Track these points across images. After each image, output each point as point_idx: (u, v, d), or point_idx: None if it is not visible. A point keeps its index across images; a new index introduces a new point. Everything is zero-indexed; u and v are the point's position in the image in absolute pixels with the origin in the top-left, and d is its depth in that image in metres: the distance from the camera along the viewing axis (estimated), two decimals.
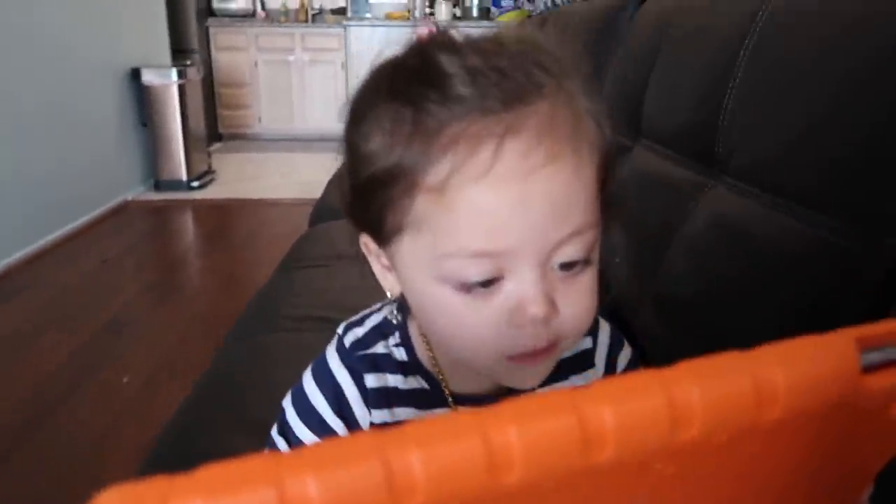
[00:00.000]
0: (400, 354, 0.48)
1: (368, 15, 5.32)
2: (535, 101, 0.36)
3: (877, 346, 0.24)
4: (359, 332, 0.49)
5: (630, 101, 1.15)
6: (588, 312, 0.40)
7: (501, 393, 0.47)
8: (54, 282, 2.55)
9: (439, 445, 0.18)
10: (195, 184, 3.85)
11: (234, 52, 5.30)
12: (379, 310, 0.50)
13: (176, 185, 3.79)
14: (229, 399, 0.86)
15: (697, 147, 0.86)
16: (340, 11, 5.59)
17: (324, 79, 5.33)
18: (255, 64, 5.33)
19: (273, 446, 0.49)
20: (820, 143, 0.61)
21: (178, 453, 0.78)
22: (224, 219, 3.50)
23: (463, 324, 0.39)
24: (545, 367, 0.41)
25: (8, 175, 2.63)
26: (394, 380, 0.47)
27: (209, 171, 4.12)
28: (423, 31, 0.40)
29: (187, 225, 3.51)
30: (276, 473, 0.16)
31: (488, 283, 0.37)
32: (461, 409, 0.47)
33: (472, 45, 0.38)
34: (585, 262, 0.39)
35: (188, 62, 4.32)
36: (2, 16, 2.60)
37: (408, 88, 0.37)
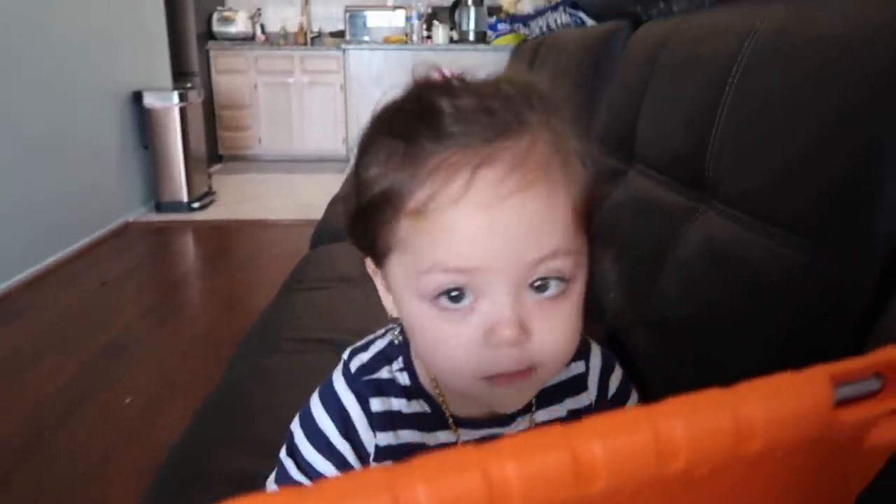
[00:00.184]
0: (403, 379, 0.50)
1: (367, 38, 5.38)
2: (516, 137, 0.39)
3: (849, 380, 0.25)
4: (364, 357, 0.51)
5: (624, 126, 1.17)
6: (565, 341, 0.42)
7: (500, 416, 0.49)
8: (55, 304, 2.56)
9: (442, 480, 0.19)
10: (196, 205, 3.88)
11: (234, 74, 5.35)
12: (383, 335, 0.53)
13: (176, 206, 3.81)
14: (233, 420, 0.87)
15: (688, 173, 0.88)
16: (339, 35, 5.66)
17: (323, 101, 5.38)
18: (255, 86, 5.38)
19: (282, 467, 0.51)
20: (805, 171, 0.64)
21: (183, 474, 0.79)
22: (224, 240, 3.52)
23: (442, 343, 0.41)
24: (523, 391, 0.43)
25: (9, 198, 2.65)
26: (397, 403, 0.49)
27: (209, 193, 4.15)
28: (434, 73, 0.42)
29: (188, 246, 3.53)
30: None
31: (460, 300, 0.40)
32: (462, 431, 0.49)
33: (469, 87, 0.41)
34: (563, 290, 0.41)
35: (189, 85, 4.37)
36: (4, 41, 2.64)
37: (404, 125, 0.40)
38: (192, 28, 4.92)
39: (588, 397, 0.52)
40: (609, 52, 1.46)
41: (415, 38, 5.04)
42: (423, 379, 0.50)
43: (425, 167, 0.39)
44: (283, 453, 0.51)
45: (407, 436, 0.49)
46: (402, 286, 0.43)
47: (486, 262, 0.38)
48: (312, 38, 5.69)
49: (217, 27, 5.35)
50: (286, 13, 5.80)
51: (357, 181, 0.44)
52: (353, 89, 4.98)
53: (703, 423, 0.23)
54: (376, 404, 0.49)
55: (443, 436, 0.49)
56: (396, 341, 0.50)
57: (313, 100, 5.40)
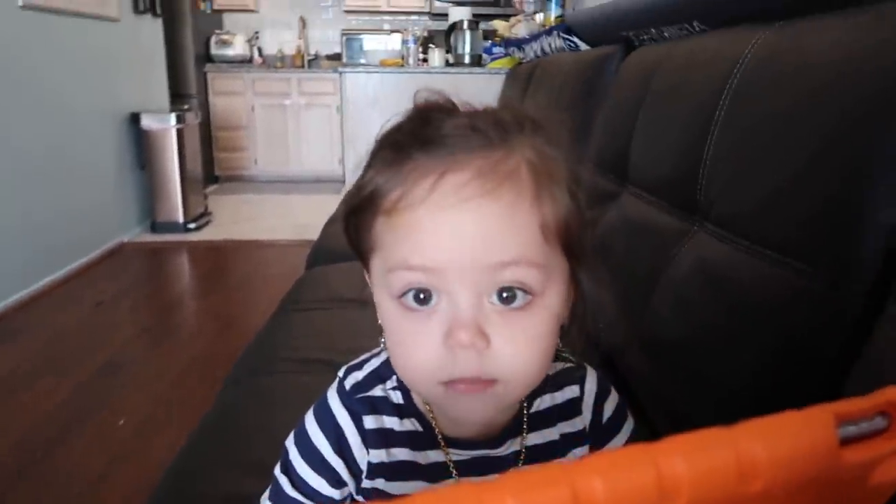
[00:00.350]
0: (396, 398, 0.50)
1: (363, 61, 5.44)
2: (493, 150, 0.41)
3: (853, 419, 0.25)
4: (358, 375, 0.52)
5: (617, 149, 1.19)
6: (527, 356, 0.42)
7: (490, 438, 0.49)
8: (50, 324, 2.56)
9: None
10: (191, 225, 3.88)
11: (231, 96, 5.39)
12: (378, 354, 0.53)
13: (172, 226, 3.82)
14: (229, 441, 0.87)
15: (680, 195, 0.90)
16: (336, 58, 5.72)
17: (319, 122, 5.42)
18: (252, 108, 5.42)
19: (276, 484, 0.51)
20: (795, 193, 0.65)
21: (179, 495, 0.79)
22: (220, 260, 3.52)
23: (405, 342, 0.43)
24: (486, 404, 0.43)
25: (6, 218, 2.65)
26: (390, 422, 0.50)
27: (205, 213, 4.15)
28: (436, 97, 0.45)
29: (183, 266, 3.53)
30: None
31: (426, 302, 0.41)
32: (452, 451, 0.49)
33: (467, 111, 0.44)
34: (528, 303, 0.41)
35: (186, 106, 4.39)
36: (3, 62, 2.67)
37: (400, 138, 0.43)
38: (190, 50, 4.96)
39: (582, 422, 0.52)
40: (602, 76, 1.49)
41: (411, 61, 5.09)
42: (416, 398, 0.50)
43: (404, 171, 0.41)
44: (277, 470, 0.52)
45: (399, 454, 0.49)
46: (378, 287, 0.45)
47: (447, 262, 0.40)
48: (309, 61, 5.75)
49: (215, 50, 5.40)
50: (283, 36, 5.86)
51: (356, 187, 0.46)
52: (349, 111, 5.01)
53: (704, 461, 0.22)
54: (370, 422, 0.49)
55: (433, 455, 0.49)
56: (384, 351, 0.51)
57: (310, 121, 5.44)
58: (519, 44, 3.04)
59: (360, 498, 0.50)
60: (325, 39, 5.93)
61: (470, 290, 0.40)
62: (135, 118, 3.69)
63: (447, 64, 4.95)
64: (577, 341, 0.48)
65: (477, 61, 4.80)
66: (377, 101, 4.69)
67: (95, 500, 1.49)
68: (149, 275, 3.36)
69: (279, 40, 5.84)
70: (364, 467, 0.49)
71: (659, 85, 1.10)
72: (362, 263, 0.48)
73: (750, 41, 0.83)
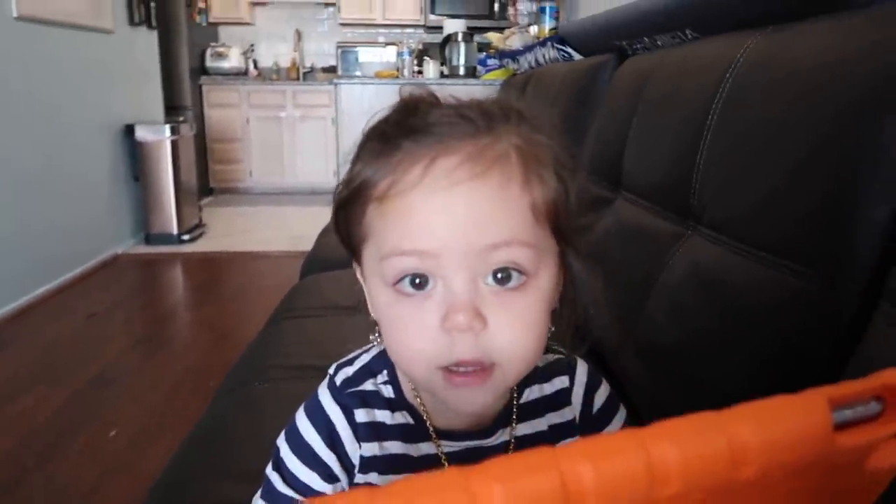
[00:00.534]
0: (387, 392, 0.50)
1: (358, 73, 5.46)
2: (481, 137, 0.41)
3: (848, 403, 0.25)
4: (349, 371, 0.52)
5: (611, 156, 1.20)
6: (523, 337, 0.42)
7: (481, 429, 0.49)
8: (44, 335, 2.54)
9: (425, 501, 0.20)
10: (186, 237, 3.87)
11: (226, 108, 5.40)
12: (368, 350, 0.53)
13: (166, 238, 3.81)
14: (220, 450, 0.86)
15: (674, 200, 0.90)
16: (331, 70, 5.74)
17: (314, 134, 5.43)
18: (247, 120, 5.43)
19: (268, 483, 0.50)
20: (788, 195, 0.65)
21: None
22: (214, 272, 3.50)
23: (402, 328, 0.43)
24: (483, 392, 0.43)
25: (1, 230, 2.64)
26: (381, 415, 0.50)
27: (200, 225, 4.14)
28: (416, 90, 0.45)
29: (177, 278, 3.51)
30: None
31: (420, 287, 0.41)
32: (444, 443, 0.49)
33: (453, 102, 0.44)
34: (523, 283, 0.41)
35: (181, 118, 4.40)
36: (1, 78, 2.66)
37: (387, 130, 0.43)
38: (185, 63, 4.97)
39: (572, 412, 0.52)
40: (596, 84, 1.50)
41: (406, 72, 5.11)
42: (407, 391, 0.50)
43: (394, 159, 0.41)
44: (269, 469, 0.51)
45: (391, 447, 0.49)
46: (371, 276, 0.45)
47: (440, 245, 0.40)
48: (304, 74, 5.77)
49: (210, 62, 5.42)
50: (279, 49, 5.89)
51: (344, 180, 0.46)
52: (344, 123, 5.02)
53: (695, 447, 0.22)
54: (361, 415, 0.49)
55: (425, 447, 0.49)
56: (377, 343, 0.51)
57: (305, 133, 5.45)
58: (513, 55, 3.06)
59: None
60: (320, 52, 5.96)
61: (465, 273, 0.41)
62: (129, 130, 3.69)
63: (442, 76, 4.97)
64: (567, 328, 0.48)
65: (472, 73, 4.82)
66: (372, 112, 4.64)
67: None
68: (143, 286, 3.34)
69: (274, 53, 5.87)
70: (356, 461, 0.49)
71: (652, 92, 1.10)
72: (353, 257, 0.48)
73: (742, 47, 0.83)
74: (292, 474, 0.49)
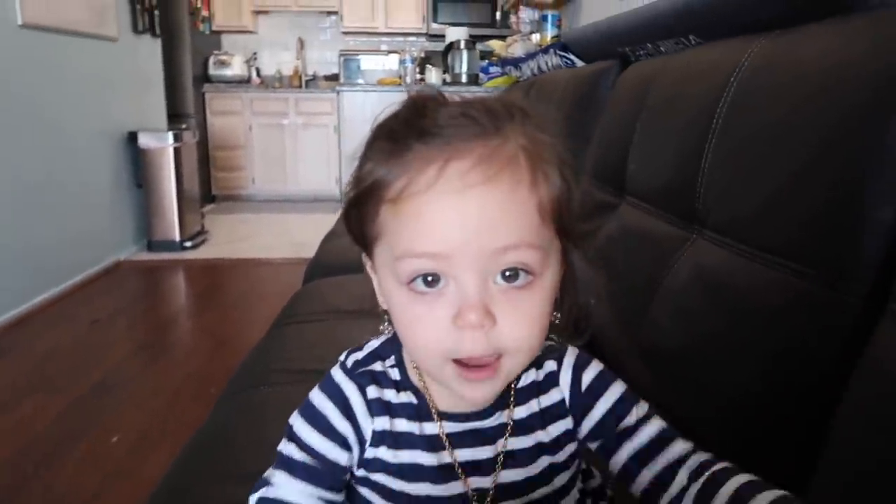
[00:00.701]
0: (394, 374, 0.53)
1: (361, 81, 5.48)
2: (490, 138, 0.43)
3: None
4: (359, 355, 0.54)
5: (615, 161, 1.20)
6: (529, 330, 0.45)
7: (480, 411, 0.52)
8: (46, 342, 2.54)
9: None
10: (188, 244, 3.88)
11: (229, 116, 5.42)
12: (376, 339, 0.55)
13: (169, 245, 3.81)
14: (222, 453, 0.86)
15: (679, 204, 0.90)
16: (333, 78, 5.76)
17: (316, 142, 5.44)
18: (250, 127, 5.44)
19: (281, 456, 0.51)
20: (793, 197, 0.65)
21: None
22: (216, 278, 3.50)
23: (415, 324, 0.45)
24: (491, 385, 0.46)
25: (2, 236, 2.64)
26: (389, 394, 0.52)
27: (202, 232, 4.15)
28: (423, 89, 0.47)
29: (179, 285, 3.51)
30: None
31: (434, 284, 0.43)
32: (445, 423, 0.52)
33: (459, 101, 0.46)
34: (529, 282, 0.44)
35: (184, 126, 4.41)
36: (2, 82, 2.68)
37: (397, 129, 0.44)
38: (188, 71, 4.99)
39: (560, 392, 0.53)
40: (599, 90, 1.50)
41: (408, 80, 5.13)
42: (412, 375, 0.53)
43: (406, 160, 0.43)
44: (281, 445, 0.52)
45: (400, 424, 0.51)
46: (384, 273, 0.47)
47: (452, 248, 0.42)
48: (307, 82, 5.79)
49: (213, 70, 5.44)
50: (281, 57, 5.91)
51: (355, 177, 0.48)
52: (346, 130, 5.04)
53: None
54: (372, 391, 0.52)
55: (428, 427, 0.52)
56: (385, 330, 0.53)
57: (307, 141, 5.47)
58: (515, 62, 3.07)
59: (361, 471, 0.52)
60: (322, 60, 5.98)
61: (476, 274, 0.43)
62: (132, 137, 3.70)
63: (444, 83, 4.99)
64: (568, 319, 0.50)
65: (474, 80, 4.84)
66: (374, 121, 4.71)
67: None
68: (145, 293, 3.34)
69: (277, 61, 5.90)
70: (368, 436, 0.51)
71: (656, 97, 1.10)
72: (364, 252, 0.50)
73: (746, 50, 0.83)
74: (307, 444, 0.51)
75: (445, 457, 0.51)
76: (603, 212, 1.16)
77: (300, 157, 5.48)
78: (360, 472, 0.52)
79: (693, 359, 0.75)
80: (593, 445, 0.53)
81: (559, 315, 0.49)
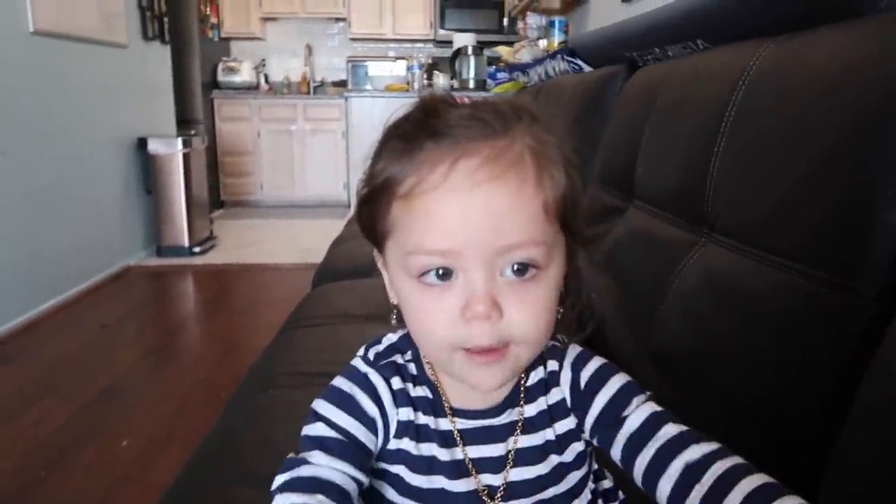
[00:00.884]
0: (412, 368, 0.54)
1: (368, 87, 5.50)
2: (497, 139, 0.44)
3: None
4: (379, 347, 0.56)
5: (622, 166, 1.19)
6: (536, 320, 0.46)
7: (492, 409, 0.53)
8: (55, 347, 2.55)
9: None
10: (197, 249, 3.90)
11: (237, 122, 5.45)
12: (394, 333, 0.57)
13: (177, 250, 3.83)
14: (230, 456, 0.86)
15: (688, 207, 0.89)
16: (341, 84, 5.78)
17: (325, 147, 5.47)
18: (258, 134, 5.47)
19: (306, 437, 0.50)
20: (803, 199, 0.65)
21: None
22: (224, 284, 3.52)
23: (425, 316, 0.47)
24: (500, 370, 0.47)
25: (13, 242, 2.67)
26: (408, 387, 0.53)
27: (211, 237, 4.17)
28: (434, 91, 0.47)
29: (188, 290, 3.53)
30: None
31: (445, 278, 0.45)
32: (458, 420, 0.53)
33: (469, 102, 0.47)
34: (535, 275, 0.45)
35: (193, 132, 4.44)
36: (14, 88, 2.70)
37: (408, 128, 0.46)
38: (197, 77, 5.02)
39: (560, 392, 0.54)
40: (606, 95, 1.50)
41: (416, 85, 5.14)
42: (427, 370, 0.54)
43: (418, 159, 0.44)
44: (307, 429, 0.51)
45: (420, 417, 0.52)
46: (395, 268, 0.48)
47: (460, 244, 0.44)
48: (315, 88, 5.82)
49: (222, 77, 5.48)
50: (290, 64, 5.95)
51: (366, 178, 0.49)
52: (354, 136, 5.05)
53: None
54: (396, 383, 0.53)
55: (443, 422, 0.53)
56: (393, 322, 0.54)
57: (315, 147, 5.49)
58: (523, 68, 3.07)
59: (380, 464, 0.52)
60: (330, 66, 6.01)
61: (484, 268, 0.44)
62: (142, 143, 3.73)
63: (452, 89, 5.00)
64: (571, 311, 0.51)
65: (481, 86, 4.85)
66: (382, 125, 4.72)
67: None
68: (153, 298, 3.36)
69: (285, 67, 5.93)
70: (394, 427, 0.52)
71: (664, 101, 1.10)
72: (375, 247, 0.51)
73: (754, 54, 0.83)
74: (337, 424, 0.50)
75: (457, 453, 0.52)
76: (611, 216, 1.16)
77: (308, 162, 5.50)
78: (380, 465, 0.52)
79: (702, 362, 0.75)
80: (595, 441, 0.53)
81: (562, 310, 0.50)
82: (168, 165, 3.75)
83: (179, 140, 3.78)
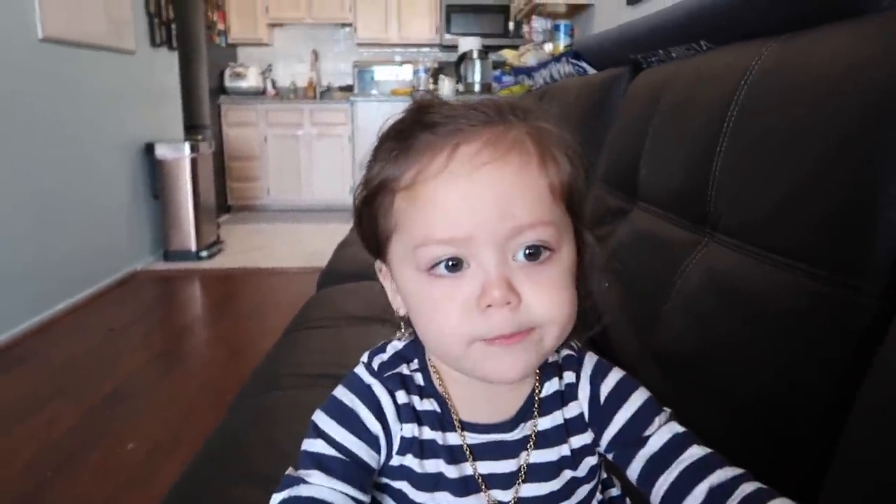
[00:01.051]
0: (418, 379, 0.52)
1: (374, 92, 5.51)
2: (495, 125, 0.44)
3: None
4: (384, 356, 0.53)
5: (626, 167, 1.19)
6: (558, 302, 0.44)
7: (504, 422, 0.50)
8: (62, 351, 2.56)
9: None
10: (203, 254, 3.91)
11: (244, 127, 5.47)
12: (398, 340, 0.54)
13: (185, 255, 3.85)
14: (233, 456, 0.86)
15: (690, 208, 0.89)
16: (348, 89, 5.80)
17: (331, 152, 5.48)
18: (265, 138, 5.49)
19: (309, 455, 0.48)
20: (805, 199, 0.65)
21: None
22: (231, 288, 3.53)
23: (438, 308, 0.44)
24: (524, 354, 0.44)
25: (21, 247, 2.68)
26: (414, 400, 0.51)
27: (217, 242, 4.19)
28: (426, 95, 0.48)
29: (195, 294, 3.54)
30: None
31: (455, 269, 0.43)
32: (468, 434, 0.50)
33: (461, 99, 0.47)
34: (549, 257, 0.44)
35: (200, 137, 4.46)
36: (22, 95, 2.72)
37: (402, 129, 0.46)
38: (204, 83, 5.05)
39: (578, 407, 0.52)
40: (611, 97, 1.50)
41: (421, 89, 5.15)
42: (435, 381, 0.51)
43: (416, 150, 0.44)
44: (307, 444, 0.49)
45: (425, 431, 0.50)
46: (402, 265, 0.47)
47: (469, 229, 0.42)
48: (321, 93, 5.84)
49: (229, 82, 5.50)
50: (296, 69, 5.97)
51: (362, 185, 0.48)
52: (360, 140, 5.07)
53: None
54: (401, 397, 0.50)
55: (451, 437, 0.50)
56: (401, 337, 0.52)
57: (321, 151, 5.50)
58: (528, 71, 3.07)
59: (382, 479, 0.50)
60: (336, 71, 6.03)
61: (496, 252, 0.43)
62: (149, 148, 3.75)
63: (457, 93, 5.01)
64: (582, 303, 0.48)
65: (487, 89, 4.85)
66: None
67: None
68: (160, 302, 3.37)
69: (292, 72, 5.95)
70: (397, 443, 0.50)
71: (667, 102, 1.10)
72: (377, 256, 0.50)
73: (757, 54, 0.83)
74: (338, 442, 0.48)
75: (467, 468, 0.49)
76: (615, 217, 1.16)
77: (314, 167, 5.52)
78: (382, 480, 0.51)
79: (705, 362, 0.75)
80: (610, 456, 0.52)
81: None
82: (175, 170, 3.77)
83: (187, 145, 3.80)
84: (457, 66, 5.30)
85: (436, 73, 5.54)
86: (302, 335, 1.24)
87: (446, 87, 5.01)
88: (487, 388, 0.50)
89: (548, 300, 0.44)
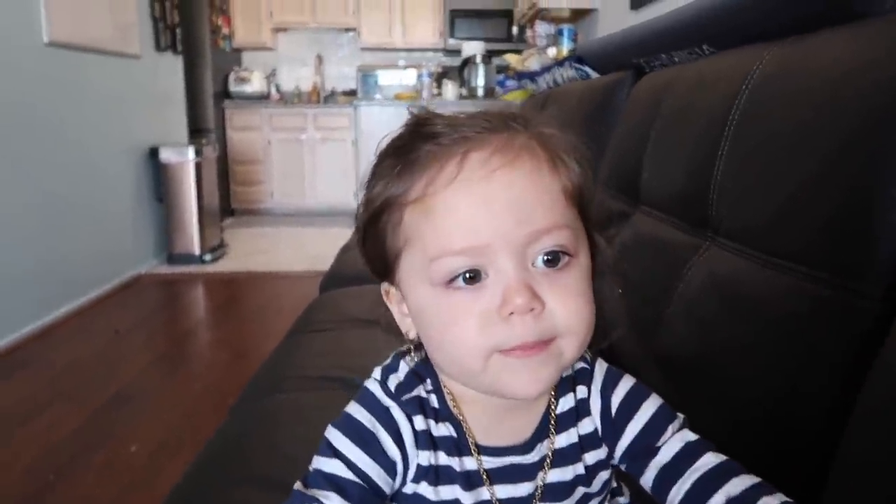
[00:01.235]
0: (432, 401, 0.50)
1: (378, 96, 5.53)
2: (500, 132, 0.44)
3: None
4: (399, 376, 0.50)
5: (629, 171, 1.19)
6: (580, 308, 0.43)
7: (521, 444, 0.49)
8: (66, 354, 2.57)
9: None
10: (207, 257, 3.92)
11: (248, 131, 5.49)
12: (404, 353, 0.51)
13: (188, 258, 3.86)
14: (235, 458, 0.86)
15: (692, 212, 0.89)
16: (351, 93, 5.82)
17: (334, 156, 5.49)
18: (269, 142, 5.51)
19: (324, 475, 0.46)
20: (807, 202, 0.65)
21: None
22: (234, 292, 3.53)
23: (455, 322, 0.43)
24: (544, 367, 0.43)
25: (26, 250, 2.69)
26: (431, 424, 0.49)
27: (221, 245, 4.20)
28: (421, 111, 0.47)
29: (198, 298, 3.54)
30: None
31: (474, 280, 0.42)
32: (484, 458, 0.49)
33: (464, 105, 0.46)
34: (567, 262, 0.43)
35: (204, 141, 4.47)
36: (28, 98, 2.74)
37: (401, 145, 0.45)
38: (209, 87, 5.07)
39: (592, 422, 0.51)
40: (613, 101, 1.50)
41: (425, 94, 5.17)
42: (450, 403, 0.49)
43: (421, 164, 0.43)
44: (321, 463, 0.47)
45: (440, 457, 0.48)
46: (414, 282, 0.45)
47: (487, 237, 0.41)
48: (325, 97, 5.86)
49: (233, 86, 5.52)
50: (300, 73, 5.99)
51: (364, 204, 0.47)
52: (364, 145, 5.09)
53: None
54: (419, 423, 0.48)
55: (468, 462, 0.49)
56: (411, 363, 0.50)
57: (325, 155, 5.52)
58: (531, 76, 3.08)
59: None
60: (340, 76, 6.05)
61: (514, 259, 0.42)
62: (154, 152, 3.76)
63: (461, 97, 5.02)
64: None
65: (490, 94, 4.86)
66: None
67: None
68: (164, 306, 3.38)
69: (296, 77, 5.97)
70: (413, 470, 0.48)
71: (669, 106, 1.10)
72: (384, 275, 0.48)
73: (759, 58, 0.83)
74: (355, 465, 0.46)
75: (484, 493, 0.48)
76: (617, 221, 1.16)
77: (318, 171, 5.53)
78: None
79: (707, 365, 0.75)
80: (623, 466, 0.51)
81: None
82: (179, 174, 3.78)
83: (191, 149, 3.81)
84: (460, 71, 5.32)
85: (439, 78, 5.55)
86: (304, 338, 1.24)
87: (450, 91, 5.02)
88: (502, 408, 0.49)
89: (572, 307, 0.43)
